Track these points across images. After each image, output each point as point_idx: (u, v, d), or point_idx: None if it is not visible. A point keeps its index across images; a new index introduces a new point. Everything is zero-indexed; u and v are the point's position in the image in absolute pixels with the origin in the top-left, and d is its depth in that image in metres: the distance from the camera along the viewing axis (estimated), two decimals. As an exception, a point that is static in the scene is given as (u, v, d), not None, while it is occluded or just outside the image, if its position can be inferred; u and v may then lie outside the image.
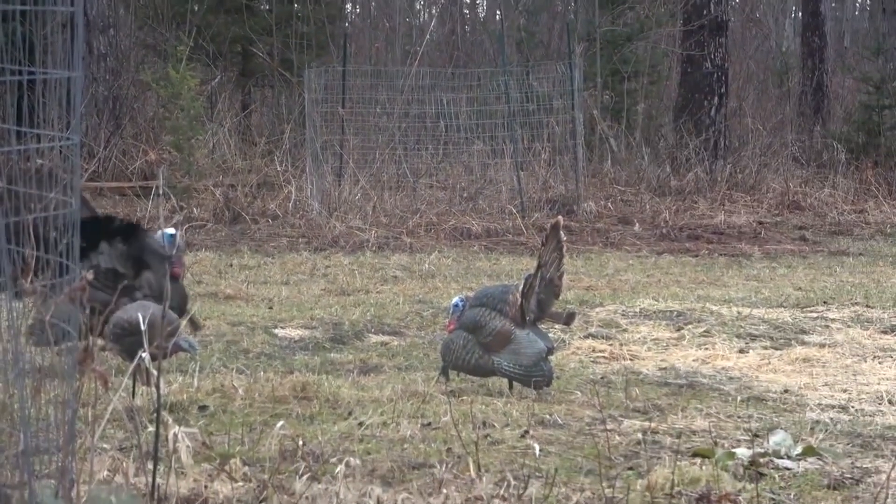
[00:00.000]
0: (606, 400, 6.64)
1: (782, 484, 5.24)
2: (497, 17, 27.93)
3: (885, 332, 9.08)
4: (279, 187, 16.48)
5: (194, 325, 7.34)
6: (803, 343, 8.68)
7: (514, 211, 16.02)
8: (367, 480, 4.94)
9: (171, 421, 4.93)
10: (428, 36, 24.15)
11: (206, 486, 4.75)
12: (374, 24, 27.95)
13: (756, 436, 5.90)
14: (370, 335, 8.76)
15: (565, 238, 6.86)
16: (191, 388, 6.43)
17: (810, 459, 5.57)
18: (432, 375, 7.19)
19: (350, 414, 6.12)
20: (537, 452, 5.44)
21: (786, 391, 7.22)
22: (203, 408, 6.13)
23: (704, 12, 20.01)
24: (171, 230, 7.54)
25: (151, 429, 4.89)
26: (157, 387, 4.45)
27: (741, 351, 8.43)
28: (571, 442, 5.82)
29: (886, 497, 4.99)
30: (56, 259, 4.04)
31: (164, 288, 7.33)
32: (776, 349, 8.50)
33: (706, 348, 8.46)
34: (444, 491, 4.81)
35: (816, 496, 5.12)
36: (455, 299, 7.10)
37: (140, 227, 7.81)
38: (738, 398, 6.97)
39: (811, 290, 11.19)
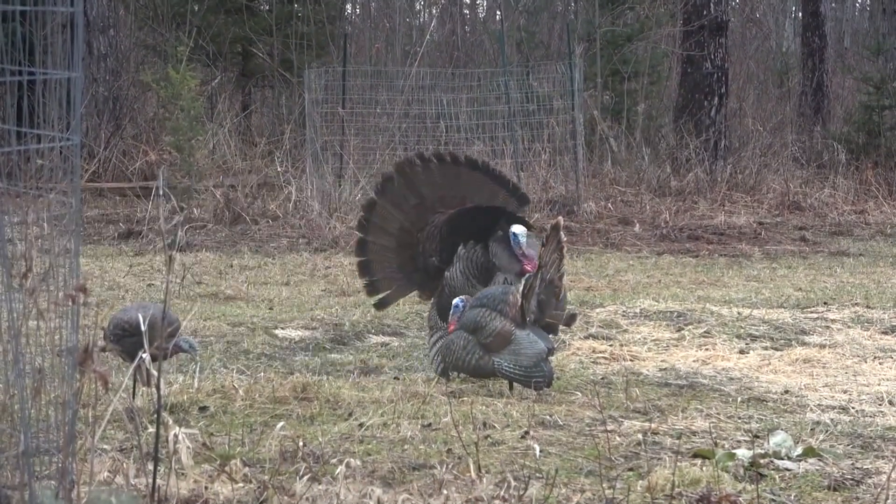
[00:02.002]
0: (607, 401, 6.63)
1: (783, 485, 5.24)
2: (497, 17, 27.93)
3: (885, 333, 9.07)
4: (279, 188, 16.47)
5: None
6: (804, 344, 8.66)
7: (515, 211, 16.00)
8: (368, 481, 4.94)
9: (171, 422, 4.93)
10: (428, 36, 24.13)
11: (206, 487, 4.75)
12: (374, 24, 27.94)
13: (756, 437, 5.90)
14: (371, 336, 8.76)
15: (566, 239, 6.86)
16: (191, 389, 6.43)
17: (811, 460, 5.56)
18: (432, 376, 7.19)
19: (350, 415, 6.12)
20: (538, 453, 5.44)
21: (786, 392, 7.21)
22: (203, 409, 6.12)
23: (704, 12, 20.01)
24: (516, 228, 7.24)
25: (152, 430, 4.89)
26: (158, 387, 4.45)
27: (741, 351, 8.42)
28: (572, 443, 5.82)
29: (887, 498, 4.99)
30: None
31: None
32: (776, 350, 8.49)
33: (706, 349, 8.45)
34: (445, 492, 4.81)
35: (817, 497, 5.12)
36: (456, 300, 7.09)
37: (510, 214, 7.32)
38: (739, 399, 6.96)
39: (811, 290, 11.18)
